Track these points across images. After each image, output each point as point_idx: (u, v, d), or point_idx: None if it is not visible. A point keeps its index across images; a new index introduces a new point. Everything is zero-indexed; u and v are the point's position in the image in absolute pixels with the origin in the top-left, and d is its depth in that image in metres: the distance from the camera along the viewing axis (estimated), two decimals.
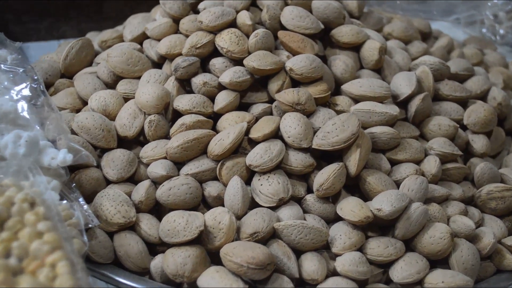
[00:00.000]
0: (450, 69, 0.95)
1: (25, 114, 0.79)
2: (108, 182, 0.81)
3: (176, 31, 0.93)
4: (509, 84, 1.05)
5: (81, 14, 1.27)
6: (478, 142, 0.89)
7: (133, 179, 0.82)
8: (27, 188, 0.67)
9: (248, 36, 0.88)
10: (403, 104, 0.89)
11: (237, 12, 0.90)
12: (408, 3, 1.20)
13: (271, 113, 0.85)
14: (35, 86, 0.83)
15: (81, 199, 0.74)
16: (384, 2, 1.17)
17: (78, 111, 0.89)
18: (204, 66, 0.89)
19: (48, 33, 1.25)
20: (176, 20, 0.93)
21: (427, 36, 1.09)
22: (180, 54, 0.89)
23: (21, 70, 0.85)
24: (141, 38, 0.96)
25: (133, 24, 0.97)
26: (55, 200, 0.70)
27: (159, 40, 0.93)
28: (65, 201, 0.72)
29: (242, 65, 0.85)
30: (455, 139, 0.88)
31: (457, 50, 1.04)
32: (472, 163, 0.88)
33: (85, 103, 0.89)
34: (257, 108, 0.85)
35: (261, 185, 0.78)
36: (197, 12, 0.94)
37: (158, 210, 0.80)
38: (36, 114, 0.80)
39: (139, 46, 0.94)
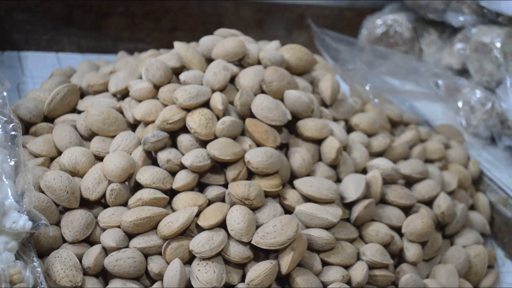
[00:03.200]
0: (405, 170, 1.05)
1: None
2: (64, 240, 0.92)
3: (156, 95, 1.03)
4: (464, 183, 1.14)
5: (81, 30, 1.37)
6: (412, 251, 0.99)
7: (88, 239, 0.93)
8: None
9: (218, 118, 0.98)
10: (349, 204, 0.99)
11: (213, 91, 1.00)
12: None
13: (223, 199, 0.95)
14: (14, 133, 0.94)
15: (36, 262, 0.85)
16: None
17: (52, 159, 1.00)
18: (174, 137, 1.00)
19: (48, 45, 1.35)
20: (157, 86, 1.03)
21: (397, 124, 1.19)
22: (153, 121, 1.00)
23: (4, 119, 0.96)
24: (124, 92, 1.07)
25: (119, 78, 1.07)
26: (9, 262, 0.82)
27: (139, 101, 1.03)
28: (19, 263, 0.83)
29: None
30: (390, 245, 0.99)
31: (419, 147, 1.13)
32: (401, 269, 0.98)
33: (59, 152, 1.00)
34: (212, 192, 0.95)
35: (199, 270, 0.89)
36: (178, 77, 1.04)
37: (105, 271, 0.91)
38: (10, 166, 0.92)
39: (118, 105, 1.04)
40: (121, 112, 1.04)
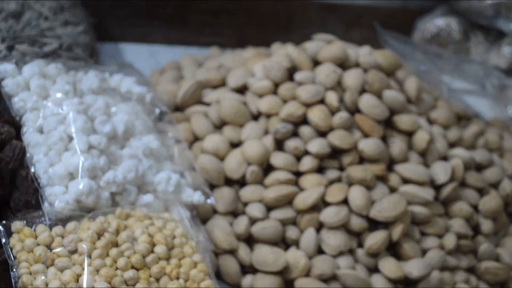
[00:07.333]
0: (477, 159, 1.41)
1: (161, 150, 1.23)
2: (214, 211, 1.25)
3: (274, 91, 1.36)
4: None
5: (168, 22, 1.68)
6: (485, 226, 1.34)
7: (232, 212, 1.26)
8: (178, 222, 1.11)
9: (332, 112, 1.32)
10: (437, 186, 1.35)
11: (326, 89, 1.34)
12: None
13: (340, 180, 1.29)
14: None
15: (203, 229, 1.18)
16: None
17: (190, 144, 1.33)
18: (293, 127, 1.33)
19: (142, 37, 1.66)
20: (276, 84, 1.36)
21: (461, 118, 1.54)
22: (276, 114, 1.33)
23: (158, 111, 1.28)
24: (242, 88, 1.39)
25: (236, 75, 1.38)
26: (189, 229, 1.15)
27: (259, 95, 1.36)
28: (192, 230, 1.16)
29: (325, 134, 1.30)
30: (469, 220, 1.35)
31: (482, 139, 1.48)
32: (478, 240, 1.34)
33: (196, 138, 1.33)
34: (332, 174, 1.28)
35: (328, 237, 1.23)
36: (291, 77, 1.37)
37: (248, 239, 1.25)
38: (166, 148, 1.25)
39: (243, 99, 1.36)
40: (244, 104, 1.37)
